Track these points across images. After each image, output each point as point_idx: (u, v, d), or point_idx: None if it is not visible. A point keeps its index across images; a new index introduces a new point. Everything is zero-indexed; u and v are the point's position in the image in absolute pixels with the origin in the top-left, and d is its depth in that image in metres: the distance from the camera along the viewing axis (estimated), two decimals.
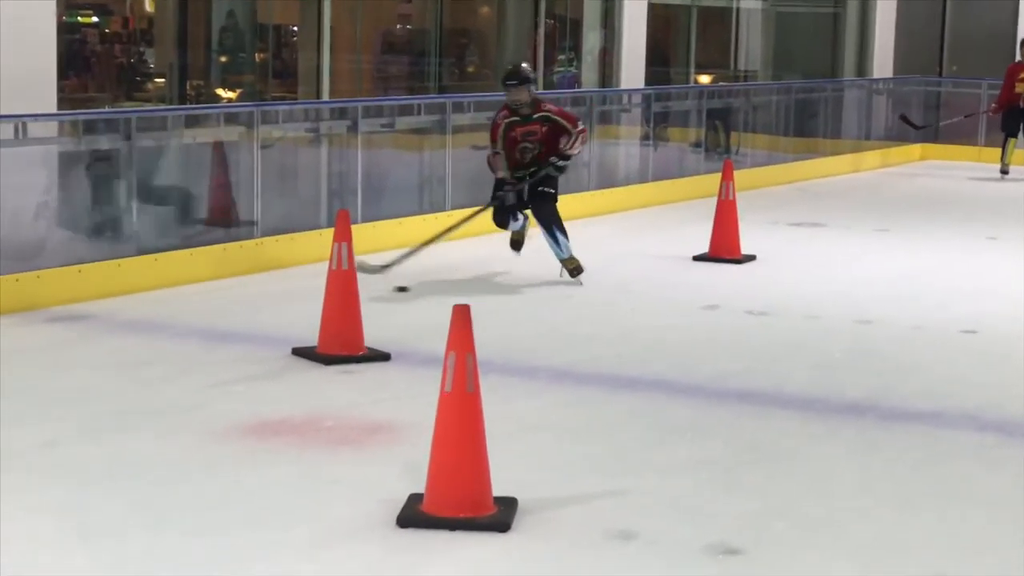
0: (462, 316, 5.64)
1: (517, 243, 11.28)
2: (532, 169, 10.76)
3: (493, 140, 10.79)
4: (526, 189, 10.78)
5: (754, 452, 6.81)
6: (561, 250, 10.78)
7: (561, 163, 10.77)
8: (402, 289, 10.06)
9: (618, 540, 5.57)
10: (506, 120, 10.73)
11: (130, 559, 5.27)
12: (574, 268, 10.79)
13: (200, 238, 11.30)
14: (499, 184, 10.84)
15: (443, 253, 12.11)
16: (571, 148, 10.71)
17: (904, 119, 21.32)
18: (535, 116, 10.72)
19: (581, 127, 10.80)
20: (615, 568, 5.31)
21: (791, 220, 14.83)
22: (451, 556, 5.39)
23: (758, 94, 19.64)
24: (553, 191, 10.85)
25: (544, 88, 17.39)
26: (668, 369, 8.36)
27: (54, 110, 10.42)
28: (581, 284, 10.65)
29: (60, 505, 5.81)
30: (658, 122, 17.12)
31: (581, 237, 13.27)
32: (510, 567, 5.31)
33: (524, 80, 10.74)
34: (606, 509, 5.91)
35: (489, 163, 10.89)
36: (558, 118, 10.76)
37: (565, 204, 14.23)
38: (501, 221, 10.95)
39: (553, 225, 10.75)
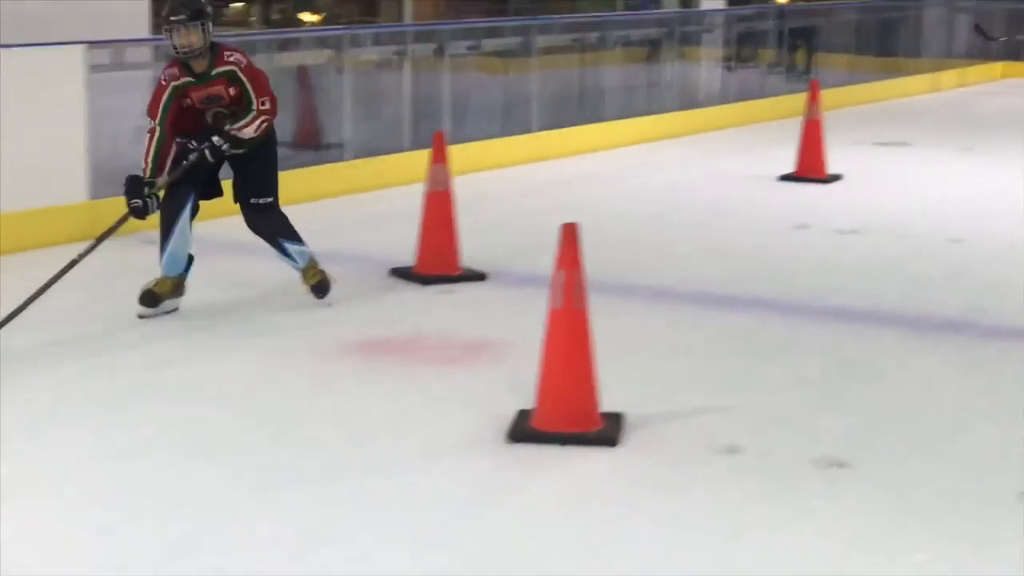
0: (571, 234, 5.69)
1: (152, 296, 7.49)
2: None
3: (151, 111, 7.28)
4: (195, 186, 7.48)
5: (854, 368, 6.86)
6: (297, 261, 7.76)
7: (224, 145, 7.32)
8: None
9: (725, 454, 5.64)
10: (174, 82, 7.25)
11: (248, 472, 5.39)
12: (318, 283, 7.74)
13: (289, 161, 11.38)
14: (133, 184, 7.28)
15: (528, 174, 12.20)
16: (244, 129, 7.32)
17: (979, 29, 21.11)
18: (216, 72, 7.27)
19: (268, 105, 7.35)
20: (724, 482, 5.38)
21: (875, 140, 14.77)
22: (561, 470, 5.48)
23: (839, 14, 19.49)
24: (271, 199, 7.65)
25: (626, 10, 17.37)
26: (763, 287, 8.41)
27: (147, 35, 10.53)
28: (330, 305, 7.72)
29: (177, 422, 5.94)
30: (739, 43, 17.04)
31: (665, 158, 13.35)
32: (620, 480, 5.39)
33: (195, 15, 7.18)
34: (711, 424, 5.98)
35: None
36: (246, 79, 7.31)
37: (647, 127, 14.34)
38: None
39: (279, 237, 7.72)
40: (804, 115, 12.25)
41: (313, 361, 6.81)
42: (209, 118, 7.36)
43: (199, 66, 7.25)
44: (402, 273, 8.40)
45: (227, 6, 15.96)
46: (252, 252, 8.99)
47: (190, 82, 7.27)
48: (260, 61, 11.40)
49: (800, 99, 12.55)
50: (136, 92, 10.31)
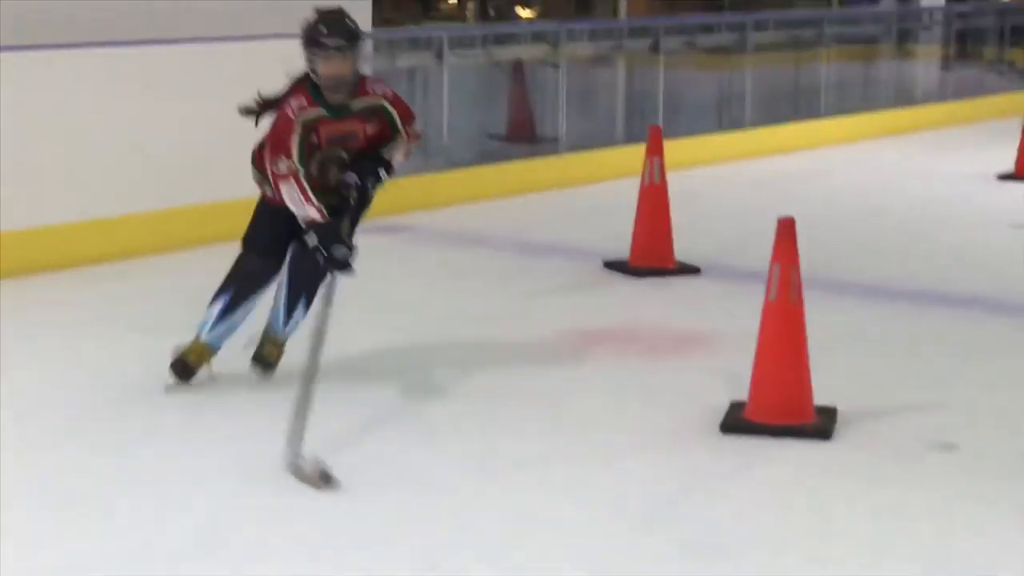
0: (787, 228, 5.74)
1: (186, 368, 6.23)
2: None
3: (282, 150, 5.81)
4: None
5: None
6: (285, 326, 6.30)
7: (385, 176, 6.06)
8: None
9: (940, 451, 5.62)
10: (303, 114, 5.85)
11: (464, 457, 5.51)
12: (272, 358, 6.33)
13: (503, 154, 11.58)
14: (327, 233, 5.79)
15: (741, 170, 12.21)
16: (395, 155, 6.08)
17: None
18: (357, 107, 5.94)
19: (419, 128, 6.22)
20: (939, 478, 5.36)
21: None
22: (775, 462, 5.51)
23: None
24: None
25: (837, 6, 17.22)
26: (979, 285, 8.32)
27: (368, 29, 10.77)
28: (263, 376, 6.33)
29: (395, 408, 6.08)
30: (958, 40, 16.81)
31: (881, 156, 13.25)
32: (834, 474, 5.40)
33: (353, 37, 5.83)
34: (925, 421, 5.96)
35: (280, 190, 5.86)
36: (394, 111, 6.02)
37: (863, 124, 14.21)
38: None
39: (305, 296, 6.24)
40: None
41: (527, 351, 6.94)
42: (314, 167, 5.94)
43: (336, 98, 5.89)
44: (616, 266, 8.49)
45: (442, 1, 16.22)
46: (466, 242, 9.21)
47: (322, 115, 5.88)
48: (477, 56, 11.66)
49: (1021, 98, 12.34)
50: None
